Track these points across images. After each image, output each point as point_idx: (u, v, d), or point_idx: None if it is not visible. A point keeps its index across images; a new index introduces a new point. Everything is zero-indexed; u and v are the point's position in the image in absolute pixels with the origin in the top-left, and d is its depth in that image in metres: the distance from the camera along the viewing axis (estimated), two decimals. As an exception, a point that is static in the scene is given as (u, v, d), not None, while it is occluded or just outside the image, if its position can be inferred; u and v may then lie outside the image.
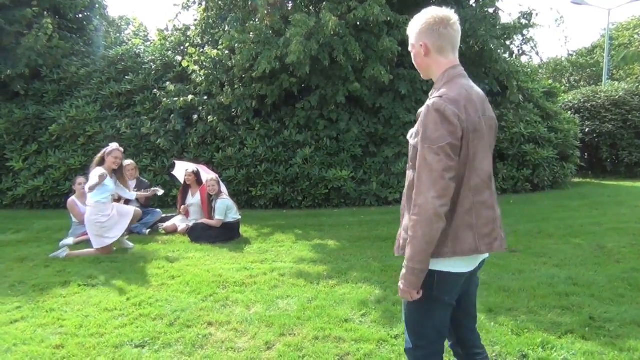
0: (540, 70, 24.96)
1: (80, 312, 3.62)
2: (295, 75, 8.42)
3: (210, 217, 6.29)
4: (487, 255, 1.84)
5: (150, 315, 3.53)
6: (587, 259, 4.87)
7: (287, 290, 4.06)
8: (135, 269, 4.79)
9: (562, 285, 4.02)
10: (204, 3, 10.22)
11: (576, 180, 12.87)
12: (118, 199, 6.11)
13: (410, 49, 1.86)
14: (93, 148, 9.28)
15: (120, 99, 10.00)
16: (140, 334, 3.20)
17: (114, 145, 5.57)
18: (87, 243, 5.76)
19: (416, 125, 1.73)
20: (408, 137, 1.82)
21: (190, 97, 9.17)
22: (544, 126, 10.64)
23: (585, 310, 3.47)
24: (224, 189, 6.68)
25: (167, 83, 9.88)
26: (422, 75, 1.88)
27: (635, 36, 25.09)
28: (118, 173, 5.64)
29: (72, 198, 6.37)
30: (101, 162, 5.45)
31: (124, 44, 14.28)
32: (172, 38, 11.16)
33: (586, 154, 14.33)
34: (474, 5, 9.88)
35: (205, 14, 10.18)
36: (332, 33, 7.77)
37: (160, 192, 6.19)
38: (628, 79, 22.57)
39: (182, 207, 6.92)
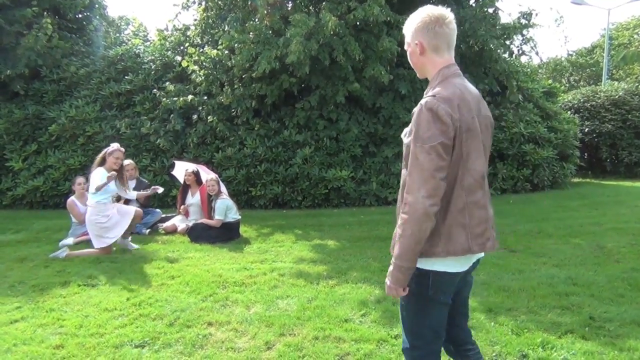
0: (540, 70, 24.96)
1: (80, 312, 3.62)
2: (295, 75, 8.42)
3: (210, 217, 6.29)
4: (482, 254, 1.84)
5: (150, 315, 3.53)
6: (586, 258, 4.87)
7: (287, 290, 4.06)
8: (135, 269, 4.79)
9: (562, 285, 4.02)
10: (203, 3, 10.22)
11: (576, 180, 12.88)
12: (118, 199, 6.11)
13: (406, 47, 1.86)
14: (93, 148, 9.29)
15: (120, 99, 9.99)
16: (140, 334, 3.20)
17: (115, 146, 5.57)
18: (86, 243, 5.76)
19: (410, 124, 1.73)
20: (402, 136, 1.82)
21: (190, 97, 9.17)
22: (544, 126, 10.64)
23: (585, 310, 3.47)
24: (223, 189, 6.68)
25: (167, 83, 9.88)
26: (417, 74, 1.88)
27: (635, 36, 25.11)
28: (118, 173, 5.64)
29: (72, 198, 6.36)
30: (102, 162, 5.45)
31: (124, 44, 14.27)
32: (172, 38, 11.16)
33: (586, 153, 14.34)
34: (473, 5, 9.88)
35: (204, 14, 10.18)
36: (332, 33, 7.77)
37: (160, 190, 6.18)
38: (628, 79, 22.58)
39: (182, 207, 6.91)
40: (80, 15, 11.54)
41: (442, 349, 2.01)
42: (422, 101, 1.67)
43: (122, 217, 5.51)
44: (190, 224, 6.40)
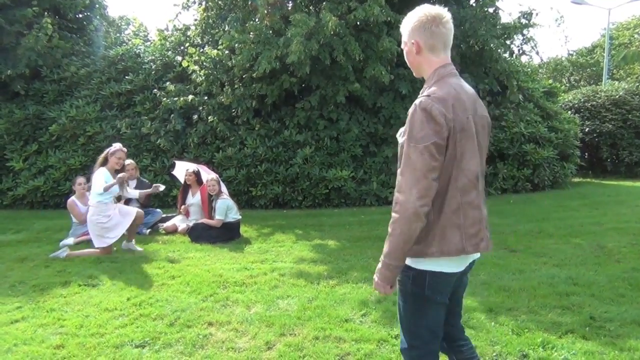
0: (540, 70, 24.95)
1: (81, 312, 3.62)
2: (296, 75, 8.42)
3: (211, 217, 6.29)
4: (478, 255, 1.84)
5: (151, 315, 3.53)
6: (587, 258, 4.87)
7: (288, 290, 4.06)
8: (135, 269, 4.79)
9: (563, 285, 4.02)
10: (203, 3, 10.22)
11: (576, 180, 12.87)
12: (118, 199, 6.10)
13: (402, 46, 1.86)
14: (93, 148, 9.30)
15: (120, 99, 10.00)
16: (141, 334, 3.20)
17: (117, 146, 5.56)
18: (87, 243, 5.76)
19: (405, 124, 1.74)
20: (397, 135, 1.82)
21: (190, 97, 9.18)
22: (544, 126, 10.64)
23: (585, 310, 3.47)
24: (224, 188, 6.68)
25: (167, 83, 9.89)
26: (414, 74, 1.88)
27: (636, 36, 25.09)
28: (120, 173, 5.63)
29: (72, 198, 6.36)
30: (104, 162, 5.44)
31: (124, 44, 14.28)
32: (172, 38, 11.16)
33: (586, 153, 14.33)
34: (474, 4, 9.87)
35: (205, 14, 10.18)
36: (332, 33, 7.77)
37: (162, 187, 6.18)
38: (628, 79, 22.58)
39: (183, 207, 6.92)
40: (80, 15, 11.54)
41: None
42: (417, 101, 1.67)
43: (123, 218, 5.51)
44: (191, 224, 6.40)
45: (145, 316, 3.52)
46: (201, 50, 9.81)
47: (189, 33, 10.90)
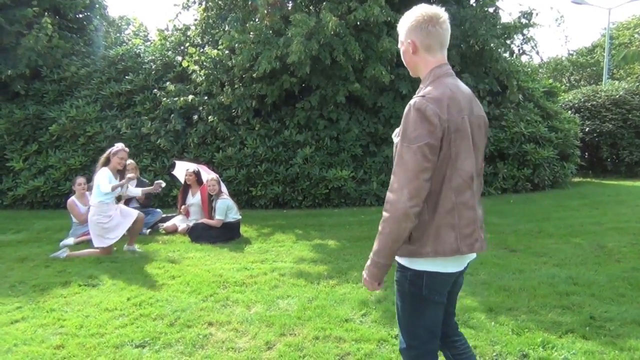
0: (540, 70, 24.93)
1: (81, 312, 3.62)
2: (296, 75, 8.42)
3: (211, 217, 6.29)
4: (474, 255, 1.84)
5: (151, 315, 3.54)
6: (587, 258, 4.87)
7: (288, 290, 4.06)
8: (135, 269, 4.79)
9: (563, 284, 4.02)
10: (204, 3, 10.22)
11: (576, 179, 12.87)
12: (118, 199, 6.10)
13: (399, 45, 1.86)
14: (93, 148, 9.30)
15: (120, 99, 10.00)
16: (141, 334, 3.20)
17: (119, 146, 5.55)
18: (87, 243, 5.76)
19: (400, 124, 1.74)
20: (393, 135, 1.82)
21: (190, 97, 9.18)
22: (544, 126, 10.63)
23: (585, 309, 3.47)
24: (224, 188, 6.68)
25: (167, 83, 9.89)
26: (410, 73, 1.88)
27: (636, 35, 25.09)
28: (122, 173, 5.64)
29: (72, 198, 6.36)
30: (106, 162, 5.44)
31: (124, 44, 14.28)
32: (172, 38, 11.16)
33: (586, 153, 14.32)
34: (474, 4, 9.87)
35: (205, 14, 10.18)
36: (332, 33, 7.77)
37: (163, 184, 6.17)
38: (628, 78, 22.57)
39: (183, 207, 6.92)
40: (80, 15, 11.55)
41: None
42: (412, 101, 1.68)
43: (123, 219, 5.51)
44: (191, 224, 6.40)
45: (145, 316, 3.52)
46: (201, 50, 9.81)
47: (189, 33, 10.90)
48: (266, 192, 8.79)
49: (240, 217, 6.39)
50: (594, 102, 13.95)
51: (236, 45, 8.51)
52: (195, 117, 9.43)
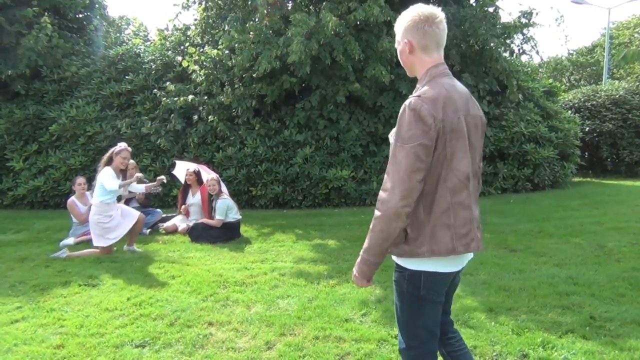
0: (540, 70, 24.93)
1: (81, 312, 3.62)
2: (296, 75, 8.42)
3: (211, 217, 6.29)
4: (472, 254, 1.84)
5: (151, 315, 3.54)
6: (587, 258, 4.87)
7: (288, 289, 4.06)
8: (135, 269, 4.79)
9: (563, 284, 4.02)
10: (203, 3, 10.22)
11: (576, 179, 12.87)
12: (118, 199, 6.10)
13: (396, 45, 1.86)
14: (93, 148, 9.31)
15: (120, 98, 10.00)
16: (141, 334, 3.20)
17: (122, 145, 5.54)
18: (87, 243, 5.76)
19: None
20: (389, 136, 1.82)
21: (190, 96, 9.18)
22: (544, 125, 10.63)
23: (585, 309, 3.47)
24: (224, 188, 6.68)
25: (167, 83, 9.89)
26: (407, 73, 1.88)
27: (636, 35, 25.08)
28: (125, 173, 5.63)
29: (72, 198, 6.36)
30: (109, 162, 5.44)
31: (124, 44, 14.29)
32: (172, 38, 11.17)
33: (586, 153, 14.32)
34: (473, 4, 9.88)
35: (205, 14, 10.19)
36: (332, 33, 7.77)
37: (165, 180, 6.16)
38: (628, 78, 22.55)
39: (183, 207, 6.92)
40: (80, 15, 11.56)
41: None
42: (407, 101, 1.68)
43: (124, 219, 5.51)
44: (191, 224, 6.40)
45: (145, 316, 3.52)
46: (201, 50, 9.81)
47: (189, 33, 10.91)
48: (266, 192, 8.79)
49: (240, 217, 6.39)
50: (594, 102, 13.94)
51: (236, 45, 8.51)
52: (195, 117, 9.43)
